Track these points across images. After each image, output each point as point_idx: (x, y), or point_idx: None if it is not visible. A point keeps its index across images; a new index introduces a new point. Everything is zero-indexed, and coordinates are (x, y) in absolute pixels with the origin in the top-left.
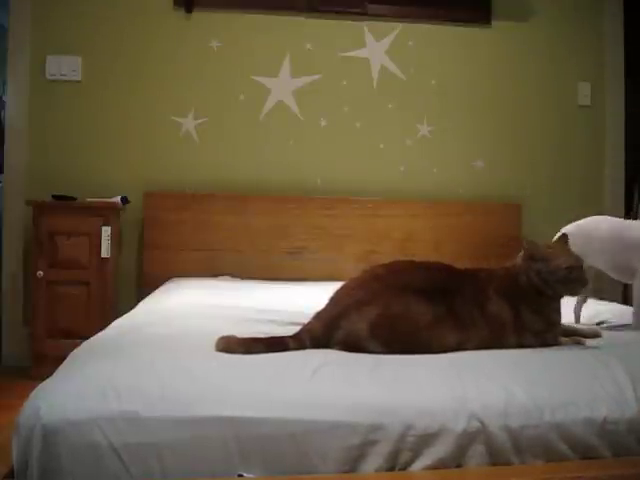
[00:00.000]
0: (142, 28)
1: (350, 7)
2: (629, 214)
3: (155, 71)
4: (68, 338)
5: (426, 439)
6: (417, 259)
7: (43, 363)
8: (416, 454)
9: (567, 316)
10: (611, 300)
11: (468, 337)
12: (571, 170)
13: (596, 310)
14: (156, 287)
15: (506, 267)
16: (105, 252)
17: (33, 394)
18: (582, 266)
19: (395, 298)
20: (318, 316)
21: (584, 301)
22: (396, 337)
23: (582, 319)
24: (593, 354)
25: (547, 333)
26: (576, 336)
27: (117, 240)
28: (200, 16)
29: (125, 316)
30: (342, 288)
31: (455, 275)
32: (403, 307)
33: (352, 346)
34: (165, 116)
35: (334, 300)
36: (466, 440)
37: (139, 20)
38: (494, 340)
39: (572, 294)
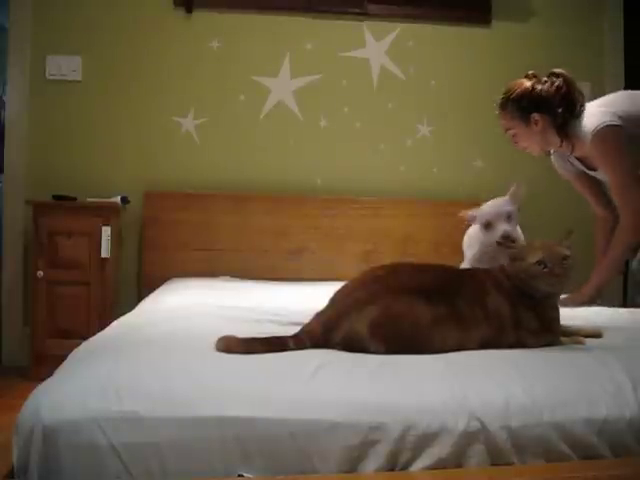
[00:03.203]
0: (142, 28)
1: (350, 7)
2: None
3: (155, 71)
4: (68, 338)
5: (426, 439)
6: (417, 259)
7: (43, 363)
8: (416, 454)
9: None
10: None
11: (469, 337)
12: None
13: (592, 311)
14: (156, 287)
15: (502, 266)
16: (105, 252)
17: (33, 394)
18: (564, 258)
19: (395, 298)
20: (318, 316)
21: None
22: (396, 337)
23: (580, 320)
24: (593, 354)
25: (546, 333)
26: (576, 336)
27: (117, 240)
28: (200, 16)
29: (125, 316)
30: (342, 288)
31: (454, 275)
32: (403, 307)
33: (352, 346)
34: (165, 116)
35: (334, 300)
36: (466, 440)
37: (139, 20)
38: (495, 337)
39: (555, 290)
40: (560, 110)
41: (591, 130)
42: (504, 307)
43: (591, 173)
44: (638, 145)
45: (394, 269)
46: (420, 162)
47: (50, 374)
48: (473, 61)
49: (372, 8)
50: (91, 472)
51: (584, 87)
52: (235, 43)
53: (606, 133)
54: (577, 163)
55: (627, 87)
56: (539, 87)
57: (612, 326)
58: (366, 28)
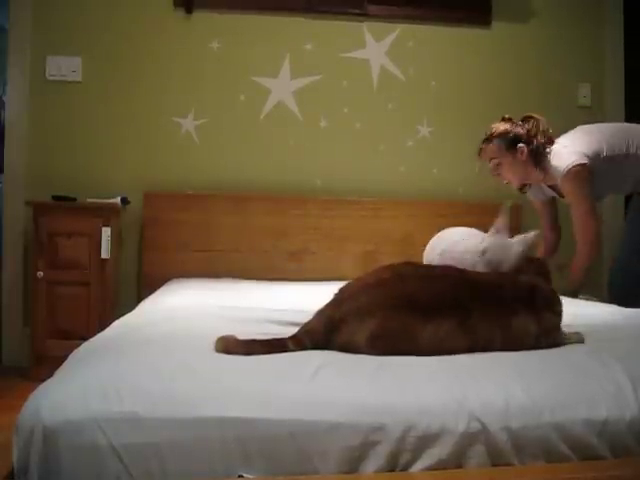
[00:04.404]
0: (142, 29)
1: (350, 8)
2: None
3: (155, 72)
4: (68, 339)
5: (427, 440)
6: (418, 260)
7: (43, 364)
8: (417, 455)
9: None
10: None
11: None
12: None
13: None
14: (156, 288)
15: (519, 274)
16: (105, 253)
17: (33, 395)
18: None
19: (397, 310)
20: (319, 315)
21: None
22: (395, 352)
23: (565, 318)
24: (593, 354)
25: (557, 330)
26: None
27: (117, 241)
28: (200, 17)
29: (125, 316)
30: (345, 288)
31: (472, 286)
32: (404, 321)
33: (350, 354)
34: (165, 117)
35: (337, 301)
36: (466, 441)
37: (139, 21)
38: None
39: None
40: (536, 142)
41: (562, 169)
42: (531, 325)
43: (564, 199)
44: (601, 177)
45: (401, 274)
46: (420, 163)
47: (50, 374)
48: (473, 62)
49: (372, 9)
50: (91, 473)
51: (584, 88)
52: (235, 44)
53: (574, 172)
54: (549, 191)
55: (627, 88)
56: (517, 129)
57: (612, 326)
58: (366, 29)
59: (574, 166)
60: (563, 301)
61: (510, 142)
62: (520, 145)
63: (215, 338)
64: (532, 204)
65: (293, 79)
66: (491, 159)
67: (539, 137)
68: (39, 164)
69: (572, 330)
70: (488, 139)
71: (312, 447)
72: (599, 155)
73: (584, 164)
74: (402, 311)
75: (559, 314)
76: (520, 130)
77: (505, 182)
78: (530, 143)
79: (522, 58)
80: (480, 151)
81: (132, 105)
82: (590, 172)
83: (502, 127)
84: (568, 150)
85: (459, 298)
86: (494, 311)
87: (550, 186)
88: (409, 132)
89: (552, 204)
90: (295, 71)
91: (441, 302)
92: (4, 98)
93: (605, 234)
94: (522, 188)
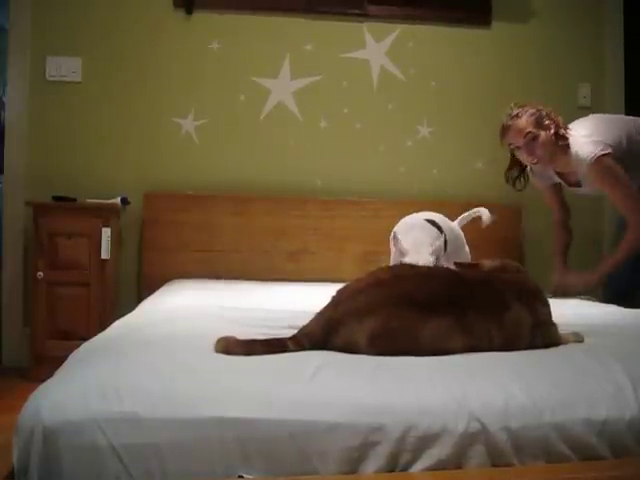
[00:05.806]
0: (142, 29)
1: (350, 8)
2: None
3: (155, 72)
4: (68, 339)
5: (427, 440)
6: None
7: (43, 364)
8: (417, 455)
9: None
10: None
11: (477, 350)
12: None
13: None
14: (156, 288)
15: (510, 270)
16: (105, 253)
17: (34, 395)
18: None
19: (397, 309)
20: (318, 317)
21: None
22: (395, 351)
23: (566, 318)
24: (593, 354)
25: (551, 324)
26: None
27: (117, 241)
28: (200, 17)
29: (125, 317)
30: (344, 289)
31: (466, 284)
32: (404, 320)
33: (350, 354)
34: (165, 117)
35: (335, 302)
36: (466, 441)
37: (139, 21)
38: (507, 349)
39: None
40: (557, 122)
41: (586, 159)
42: (526, 317)
43: (574, 190)
44: (624, 167)
45: (399, 275)
46: (420, 163)
47: (50, 375)
48: (473, 62)
49: (372, 9)
50: (91, 473)
51: (584, 88)
52: (235, 44)
53: (602, 162)
54: (556, 178)
55: (627, 88)
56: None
57: (611, 325)
58: (366, 29)
59: (600, 156)
60: (563, 302)
61: (539, 117)
62: (548, 122)
63: (215, 338)
64: (536, 188)
65: (293, 79)
66: (527, 134)
67: (558, 118)
68: (39, 164)
69: (572, 330)
70: (517, 115)
71: (312, 447)
72: (620, 144)
73: (608, 153)
74: (402, 310)
75: (547, 305)
76: (544, 109)
77: (534, 162)
78: (555, 122)
79: (522, 58)
80: (505, 130)
81: (132, 105)
82: (615, 161)
83: (528, 105)
84: (590, 139)
85: (453, 296)
86: (487, 308)
87: (558, 173)
88: (409, 132)
89: (559, 187)
90: (295, 71)
91: (437, 300)
92: (4, 98)
93: (606, 235)
94: (514, 184)
